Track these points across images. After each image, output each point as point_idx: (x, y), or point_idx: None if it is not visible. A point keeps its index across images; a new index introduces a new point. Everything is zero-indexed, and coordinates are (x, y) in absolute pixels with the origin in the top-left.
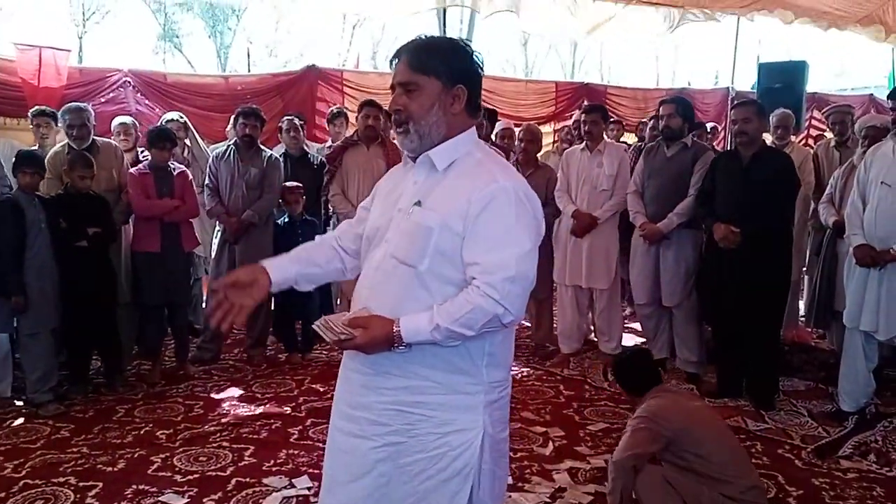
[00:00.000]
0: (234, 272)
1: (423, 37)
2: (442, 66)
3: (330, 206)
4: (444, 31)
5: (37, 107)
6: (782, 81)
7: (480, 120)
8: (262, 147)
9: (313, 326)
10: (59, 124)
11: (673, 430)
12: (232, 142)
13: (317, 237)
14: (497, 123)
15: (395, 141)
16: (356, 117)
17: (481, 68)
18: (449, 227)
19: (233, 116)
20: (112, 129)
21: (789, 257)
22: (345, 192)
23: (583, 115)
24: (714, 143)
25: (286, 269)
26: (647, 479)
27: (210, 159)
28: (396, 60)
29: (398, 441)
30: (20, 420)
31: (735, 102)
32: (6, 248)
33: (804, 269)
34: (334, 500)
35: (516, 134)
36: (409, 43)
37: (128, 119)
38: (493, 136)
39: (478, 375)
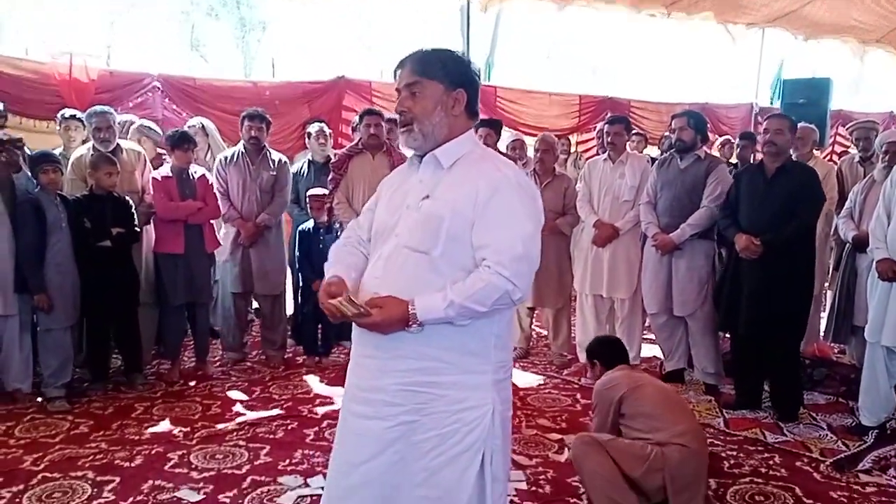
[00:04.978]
0: (328, 286)
1: (426, 48)
2: (443, 71)
3: (334, 214)
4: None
5: (67, 109)
6: (806, 97)
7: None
8: (270, 149)
9: (335, 302)
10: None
11: (620, 393)
12: (240, 146)
13: (338, 242)
14: (506, 133)
15: (400, 149)
16: (359, 126)
17: (478, 76)
18: (459, 213)
19: (239, 119)
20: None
21: (811, 270)
22: (349, 200)
23: (606, 126)
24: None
25: (351, 278)
26: (582, 449)
27: (217, 163)
28: (401, 69)
29: (412, 420)
30: (40, 415)
31: (769, 114)
32: (28, 248)
33: (826, 283)
34: (350, 481)
35: (526, 145)
36: (413, 52)
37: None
38: (505, 147)
39: (487, 356)
